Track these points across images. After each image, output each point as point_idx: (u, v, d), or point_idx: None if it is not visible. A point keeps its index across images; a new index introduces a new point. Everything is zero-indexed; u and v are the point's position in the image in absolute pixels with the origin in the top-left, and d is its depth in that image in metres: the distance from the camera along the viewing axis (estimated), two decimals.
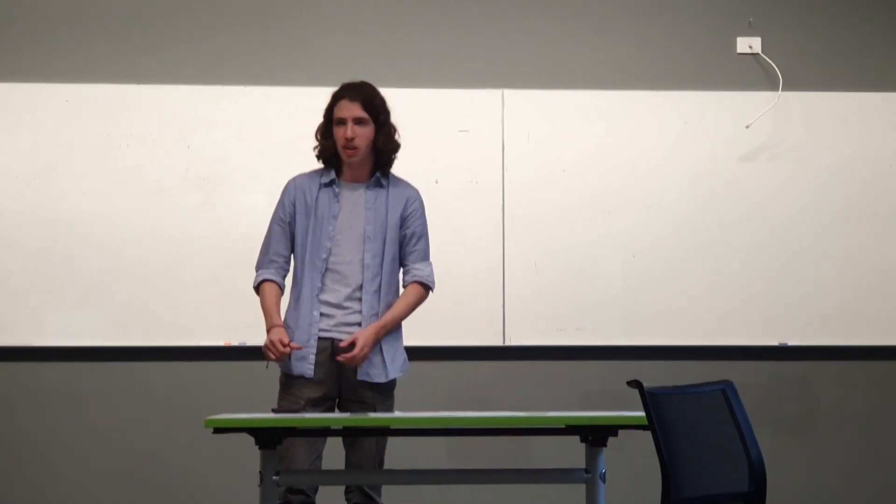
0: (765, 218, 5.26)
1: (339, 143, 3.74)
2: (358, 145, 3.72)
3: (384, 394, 3.76)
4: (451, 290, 4.99)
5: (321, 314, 3.72)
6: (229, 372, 5.07)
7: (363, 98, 3.73)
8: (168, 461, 5.11)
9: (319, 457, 3.71)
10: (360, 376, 3.69)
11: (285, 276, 3.82)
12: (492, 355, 5.18)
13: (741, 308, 5.22)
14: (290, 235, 3.81)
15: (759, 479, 3.05)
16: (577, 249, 5.21)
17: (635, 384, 2.93)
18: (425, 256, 3.84)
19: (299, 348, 3.66)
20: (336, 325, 3.72)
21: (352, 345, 3.63)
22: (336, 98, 3.77)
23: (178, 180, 5.14)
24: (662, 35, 5.39)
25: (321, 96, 3.84)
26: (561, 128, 5.26)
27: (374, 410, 3.70)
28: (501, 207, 5.20)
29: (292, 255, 3.83)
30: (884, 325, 5.25)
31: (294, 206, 3.80)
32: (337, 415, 3.71)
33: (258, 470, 3.33)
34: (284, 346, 3.64)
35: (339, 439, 3.75)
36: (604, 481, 3.36)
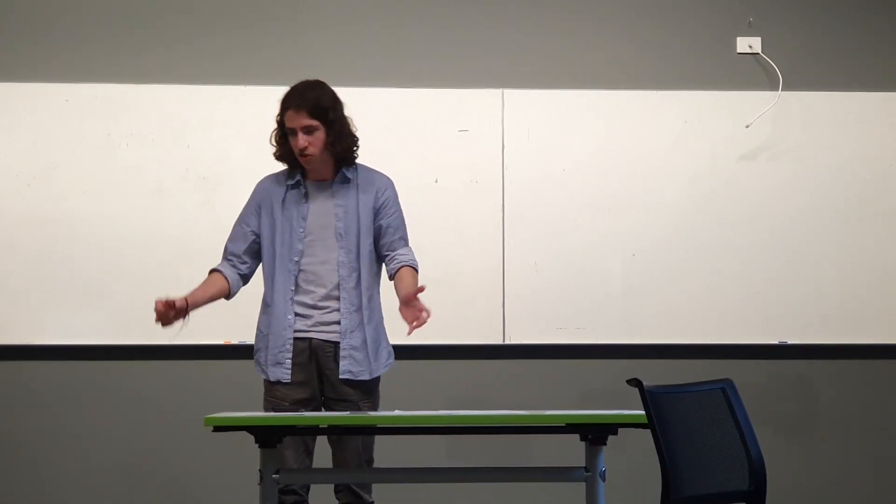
0: (765, 218, 5.26)
1: (295, 151, 3.70)
2: (311, 153, 3.67)
3: (368, 391, 3.72)
4: (451, 289, 5.02)
5: (296, 315, 3.70)
6: (229, 371, 5.06)
7: (309, 106, 3.65)
8: (168, 460, 5.12)
9: (310, 456, 3.70)
10: (343, 375, 3.66)
11: (241, 274, 3.78)
12: (492, 354, 5.18)
13: (741, 307, 5.22)
14: (251, 237, 3.77)
15: (758, 477, 3.05)
16: (577, 249, 5.21)
17: (635, 383, 2.93)
18: (406, 242, 3.81)
19: (173, 303, 3.55)
20: (314, 325, 3.70)
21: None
22: (283, 108, 3.71)
23: (178, 180, 5.15)
24: (662, 35, 5.39)
25: None
26: (561, 127, 5.26)
27: (358, 408, 3.66)
28: (501, 207, 5.20)
29: (261, 260, 3.77)
30: (884, 324, 5.25)
31: (259, 209, 3.77)
32: (337, 414, 3.68)
33: (258, 468, 3.33)
34: (168, 306, 3.54)
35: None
36: (604, 480, 3.35)
